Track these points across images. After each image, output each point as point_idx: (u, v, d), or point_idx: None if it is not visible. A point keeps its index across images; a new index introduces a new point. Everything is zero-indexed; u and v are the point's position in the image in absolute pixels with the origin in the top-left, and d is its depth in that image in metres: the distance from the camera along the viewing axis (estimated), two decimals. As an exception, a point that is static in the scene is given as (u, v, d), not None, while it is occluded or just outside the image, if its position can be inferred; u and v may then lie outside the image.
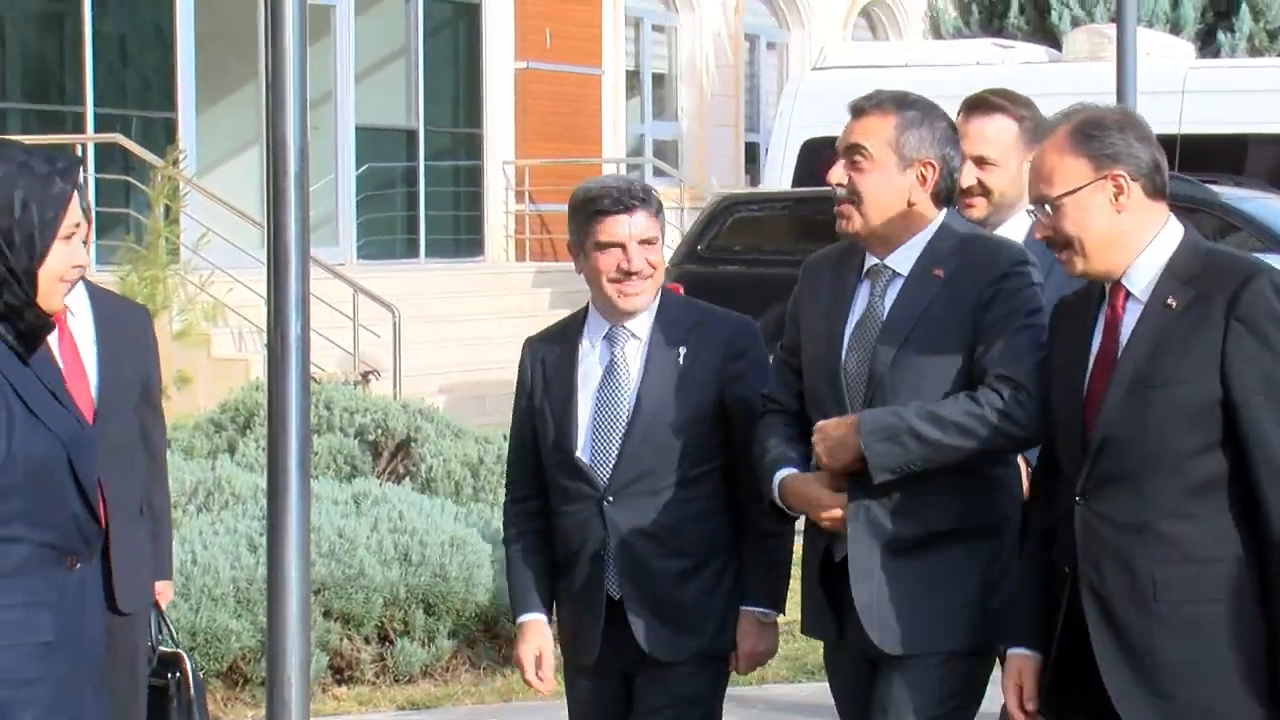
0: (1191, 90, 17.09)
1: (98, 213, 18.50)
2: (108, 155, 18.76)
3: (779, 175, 18.83)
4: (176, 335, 16.50)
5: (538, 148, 23.73)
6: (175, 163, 17.80)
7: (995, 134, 5.59)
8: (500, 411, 13.83)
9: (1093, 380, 4.38)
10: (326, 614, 8.73)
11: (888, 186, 4.79)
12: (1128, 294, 4.35)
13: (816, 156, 15.39)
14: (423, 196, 23.65)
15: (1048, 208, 4.33)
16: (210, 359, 16.89)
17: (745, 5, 27.80)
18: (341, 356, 16.50)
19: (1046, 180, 4.35)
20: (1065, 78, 17.43)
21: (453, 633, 8.89)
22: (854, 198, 4.79)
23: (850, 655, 4.94)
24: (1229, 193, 14.27)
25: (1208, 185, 14.15)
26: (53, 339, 5.91)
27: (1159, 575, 4.22)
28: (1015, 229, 5.46)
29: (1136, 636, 4.26)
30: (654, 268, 5.18)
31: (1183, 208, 14.22)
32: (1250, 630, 4.17)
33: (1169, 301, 4.26)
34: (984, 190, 5.55)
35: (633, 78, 27.37)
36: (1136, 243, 4.32)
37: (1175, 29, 24.14)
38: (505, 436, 11.78)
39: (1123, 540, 4.28)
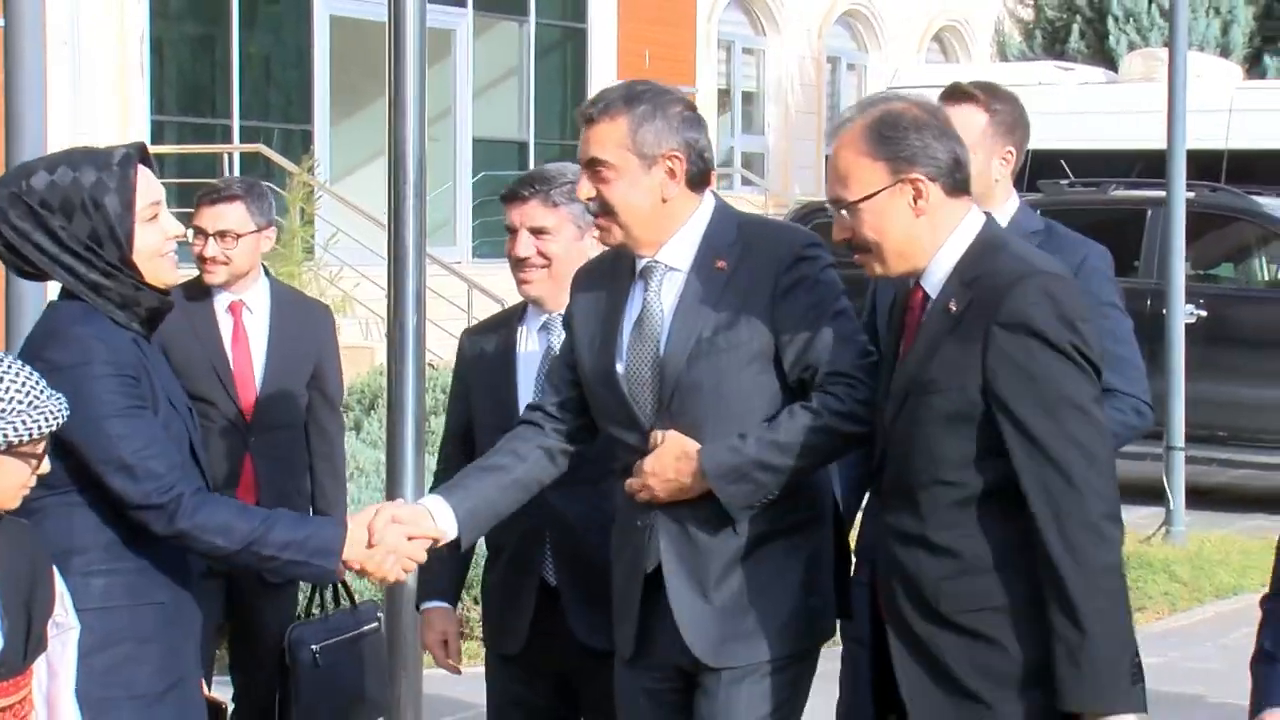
0: (1239, 109, 16.87)
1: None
2: (251, 163, 18.88)
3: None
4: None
5: (637, 158, 23.66)
6: (310, 170, 17.94)
7: (962, 124, 4.58)
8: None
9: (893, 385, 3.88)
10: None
11: (639, 192, 4.16)
12: (925, 295, 3.81)
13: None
14: (533, 202, 23.66)
15: (844, 211, 3.78)
16: (342, 348, 16.94)
17: (828, 30, 27.74)
18: (456, 346, 16.51)
19: (842, 182, 3.78)
20: (1120, 97, 17.36)
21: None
22: (607, 209, 4.19)
23: (651, 669, 4.30)
24: (1271, 203, 14.08)
25: (1251, 196, 13.96)
26: (226, 333, 5.98)
27: (942, 586, 3.73)
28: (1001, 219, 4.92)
29: (926, 643, 3.78)
30: (545, 257, 4.81)
31: (1228, 217, 14.16)
32: (1029, 637, 3.66)
33: (950, 305, 3.72)
34: None
35: (724, 95, 27.34)
36: (933, 243, 3.77)
37: (1225, 53, 23.90)
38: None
39: (906, 552, 3.80)
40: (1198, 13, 23.87)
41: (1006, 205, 4.94)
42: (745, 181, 26.71)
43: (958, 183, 3.78)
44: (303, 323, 6.09)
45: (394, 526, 4.12)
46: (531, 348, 4.98)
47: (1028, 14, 26.67)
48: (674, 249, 4.22)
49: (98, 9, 18.52)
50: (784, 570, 4.20)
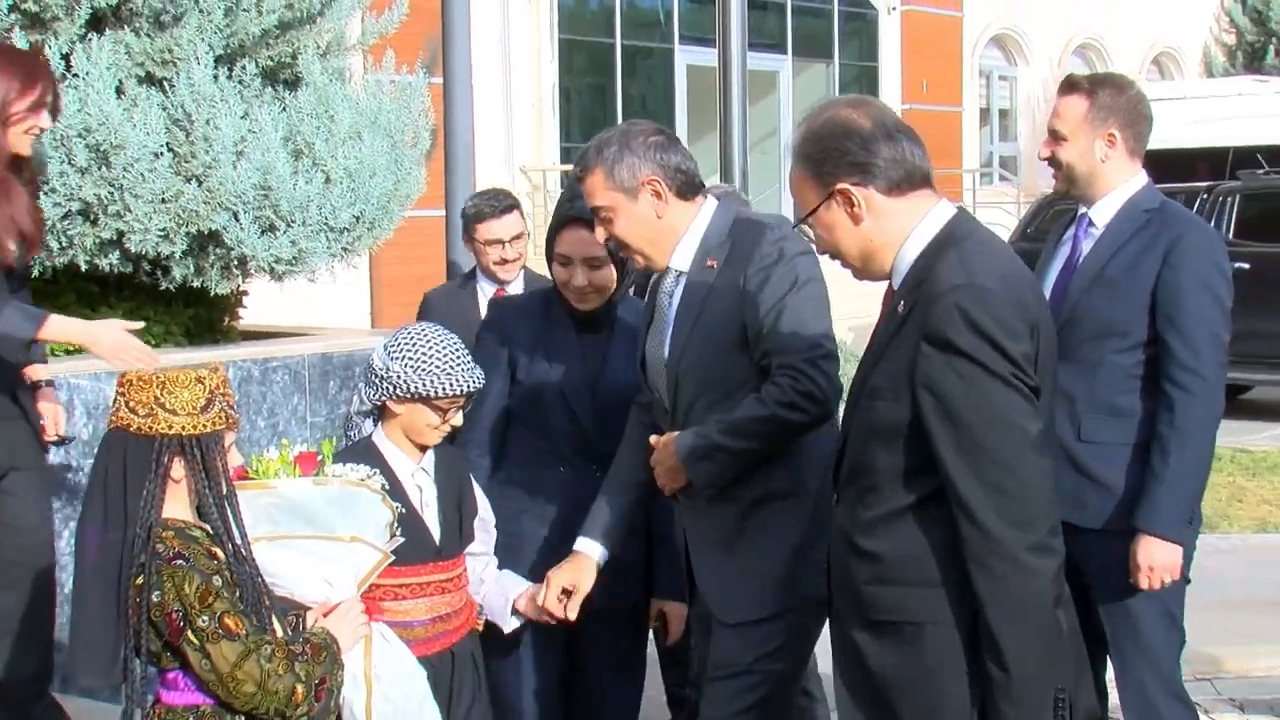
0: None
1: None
2: (630, 175, 19.11)
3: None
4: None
5: (919, 163, 23.44)
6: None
7: (1065, 109, 4.06)
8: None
9: None
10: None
11: (636, 221, 3.56)
12: (894, 291, 2.88)
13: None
14: (840, 198, 23.51)
15: (806, 227, 2.92)
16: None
17: (1066, 60, 26.84)
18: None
19: (797, 201, 2.90)
20: (1307, 104, 16.47)
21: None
22: (622, 244, 3.63)
23: (702, 610, 3.78)
24: None
25: None
26: None
27: (864, 590, 2.80)
28: (1108, 206, 4.04)
29: (850, 644, 2.87)
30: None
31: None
32: (951, 657, 2.71)
33: (899, 306, 2.77)
34: (1057, 163, 4.08)
35: (984, 113, 26.70)
36: (891, 242, 2.81)
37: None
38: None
39: (842, 548, 2.88)
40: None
41: (1126, 185, 4.04)
42: (1002, 178, 26.29)
43: (896, 181, 2.78)
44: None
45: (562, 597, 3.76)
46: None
47: (1230, 38, 25.39)
48: (680, 254, 3.62)
49: (522, 66, 18.85)
50: (780, 533, 3.56)
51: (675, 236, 3.61)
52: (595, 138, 3.68)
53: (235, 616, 2.94)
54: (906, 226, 2.80)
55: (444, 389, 3.56)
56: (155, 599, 2.92)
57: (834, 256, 2.91)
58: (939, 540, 2.69)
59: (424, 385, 3.55)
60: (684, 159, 3.63)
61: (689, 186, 3.63)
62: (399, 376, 3.58)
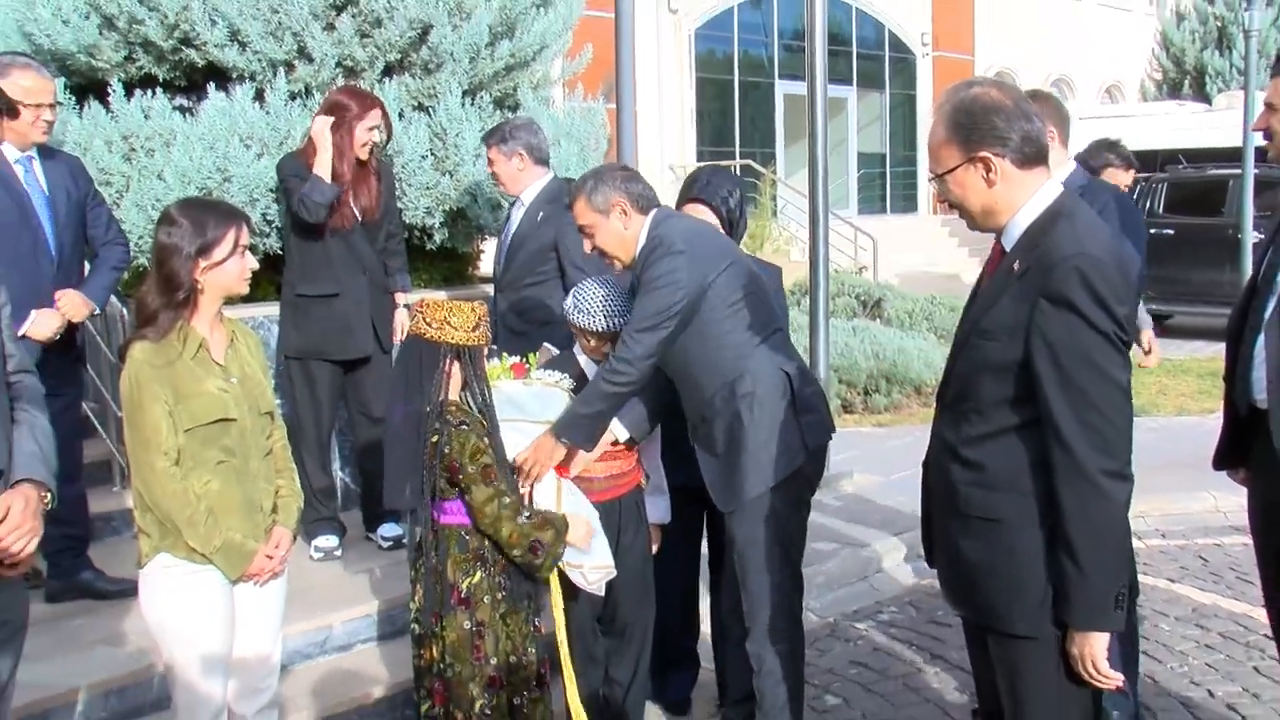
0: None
1: (753, 197, 18.71)
2: (745, 169, 18.68)
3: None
4: (772, 252, 16.49)
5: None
6: (774, 172, 17.66)
7: None
8: (924, 288, 13.15)
9: None
10: (840, 381, 8.43)
11: (608, 233, 3.25)
12: (1003, 249, 2.39)
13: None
14: (888, 185, 22.76)
15: (936, 181, 2.41)
16: (789, 263, 16.65)
17: (1046, 88, 25.62)
18: (848, 261, 16.09)
19: (933, 158, 2.39)
20: (1214, 119, 15.56)
21: (900, 390, 8.47)
22: (603, 252, 3.31)
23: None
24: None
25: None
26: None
27: (963, 490, 2.38)
28: (1059, 178, 3.60)
29: (948, 534, 2.45)
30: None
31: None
32: (1032, 553, 2.29)
33: (1015, 264, 2.32)
34: None
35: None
36: (1012, 206, 2.34)
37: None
38: (928, 299, 11.07)
39: (945, 457, 2.44)
40: (1262, 73, 21.08)
41: (1062, 169, 3.65)
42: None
43: (1028, 156, 2.33)
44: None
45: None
46: None
47: (1158, 75, 24.22)
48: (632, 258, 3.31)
49: (670, 95, 18.59)
50: (740, 441, 3.19)
51: (637, 242, 3.28)
52: (583, 174, 3.37)
53: (494, 468, 2.90)
54: (1025, 195, 2.34)
55: (575, 318, 3.37)
56: (447, 451, 2.89)
57: (954, 206, 2.42)
58: (1031, 458, 2.30)
59: (570, 312, 3.39)
60: (644, 187, 3.31)
61: (646, 205, 3.29)
62: (568, 302, 3.44)
